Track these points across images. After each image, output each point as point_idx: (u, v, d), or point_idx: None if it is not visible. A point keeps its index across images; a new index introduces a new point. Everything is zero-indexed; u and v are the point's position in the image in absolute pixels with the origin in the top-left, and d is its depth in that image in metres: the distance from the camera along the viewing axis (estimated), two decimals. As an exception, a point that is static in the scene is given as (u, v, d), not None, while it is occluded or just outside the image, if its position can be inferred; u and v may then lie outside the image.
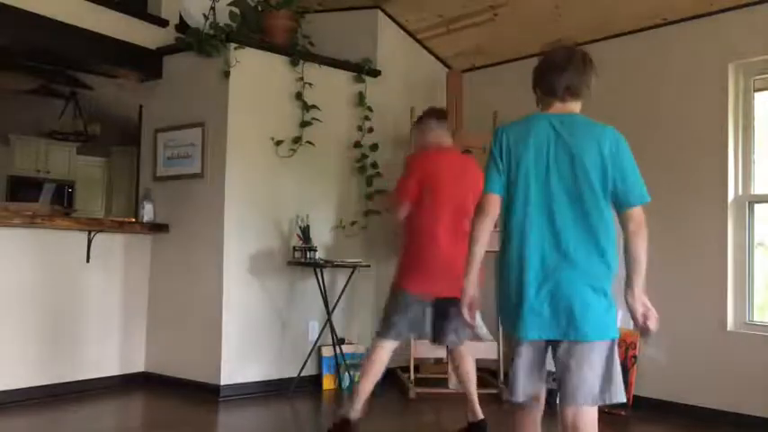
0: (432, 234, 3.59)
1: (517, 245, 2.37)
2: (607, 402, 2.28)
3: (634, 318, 2.29)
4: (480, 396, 4.80)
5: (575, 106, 2.45)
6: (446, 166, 3.71)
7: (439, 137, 3.84)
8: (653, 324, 2.26)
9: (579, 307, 2.22)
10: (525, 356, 2.34)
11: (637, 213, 2.27)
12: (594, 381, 2.23)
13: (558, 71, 2.45)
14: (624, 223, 2.28)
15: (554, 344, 2.30)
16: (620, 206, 2.29)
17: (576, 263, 2.24)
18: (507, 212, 2.36)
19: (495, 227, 2.52)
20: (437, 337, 3.78)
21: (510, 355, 2.41)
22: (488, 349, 4.97)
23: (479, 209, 2.44)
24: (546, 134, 2.32)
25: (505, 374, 4.89)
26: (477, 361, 5.13)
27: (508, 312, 2.43)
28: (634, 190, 2.33)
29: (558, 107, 2.43)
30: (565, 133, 2.32)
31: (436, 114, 3.89)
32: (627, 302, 2.29)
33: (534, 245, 2.30)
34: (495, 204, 2.36)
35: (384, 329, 3.66)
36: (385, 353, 3.64)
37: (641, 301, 2.27)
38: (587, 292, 2.23)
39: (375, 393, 3.78)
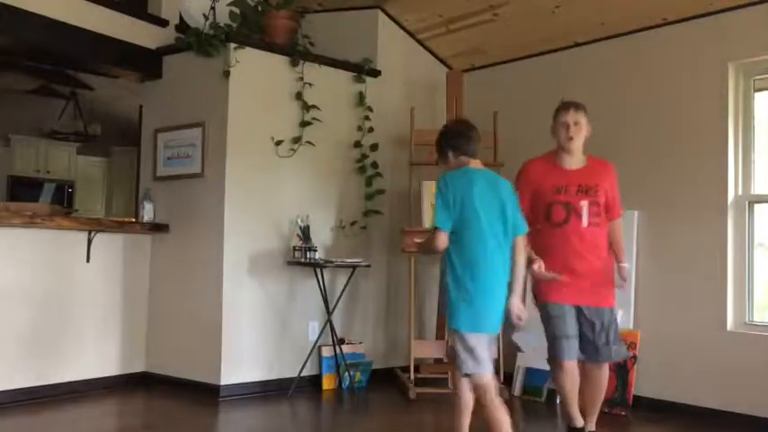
0: None
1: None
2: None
3: (508, 316, 3.04)
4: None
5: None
6: None
7: None
8: (522, 324, 3.09)
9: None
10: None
11: (522, 239, 3.10)
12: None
13: (475, 139, 3.13)
14: (516, 245, 3.07)
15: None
16: (515, 234, 3.06)
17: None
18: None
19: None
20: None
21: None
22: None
23: None
24: (482, 183, 3.03)
25: (506, 374, 4.90)
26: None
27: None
28: (522, 223, 3.10)
29: (475, 163, 3.09)
30: (491, 183, 3.05)
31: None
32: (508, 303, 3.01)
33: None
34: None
35: None
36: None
37: (518, 305, 3.06)
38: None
39: None
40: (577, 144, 3.46)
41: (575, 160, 3.49)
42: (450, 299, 2.98)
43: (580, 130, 3.45)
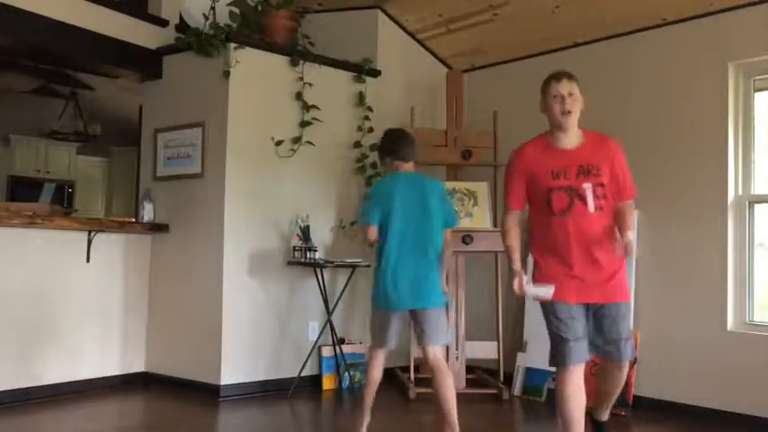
0: None
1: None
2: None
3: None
4: (480, 396, 4.82)
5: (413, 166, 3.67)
6: None
7: None
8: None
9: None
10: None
11: (449, 231, 3.63)
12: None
13: (406, 144, 3.66)
14: (446, 236, 3.60)
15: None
16: (447, 226, 3.62)
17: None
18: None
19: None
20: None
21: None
22: (488, 349, 4.98)
23: None
24: (405, 185, 3.57)
25: (505, 374, 4.90)
26: (477, 361, 5.16)
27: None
28: (452, 217, 3.66)
29: (407, 167, 3.65)
30: (415, 184, 3.58)
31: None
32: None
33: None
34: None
35: None
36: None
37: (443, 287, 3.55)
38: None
39: None
40: (574, 119, 3.02)
41: (571, 138, 3.04)
42: (375, 282, 3.55)
43: (575, 101, 3.01)
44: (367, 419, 3.63)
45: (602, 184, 2.99)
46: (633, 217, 3.14)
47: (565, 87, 3.02)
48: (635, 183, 4.55)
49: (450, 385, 3.48)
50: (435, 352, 3.49)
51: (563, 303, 2.95)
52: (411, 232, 3.48)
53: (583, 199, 2.96)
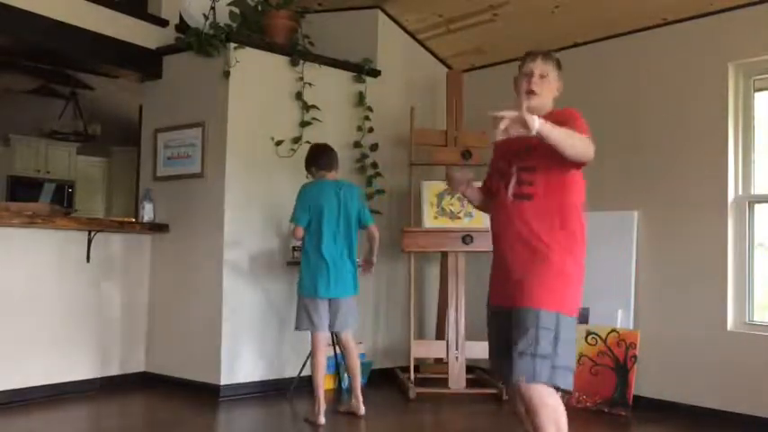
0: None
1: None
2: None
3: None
4: (480, 396, 4.82)
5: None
6: None
7: None
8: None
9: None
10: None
11: (373, 227, 4.28)
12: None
13: (327, 158, 4.24)
14: (372, 232, 4.28)
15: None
16: (363, 225, 4.25)
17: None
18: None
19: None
20: None
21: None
22: (487, 349, 4.97)
23: None
24: (327, 190, 4.14)
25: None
26: (477, 361, 5.16)
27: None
28: (367, 216, 4.26)
29: (331, 175, 4.20)
30: (335, 189, 4.15)
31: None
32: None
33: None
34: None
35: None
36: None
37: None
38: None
39: None
40: (538, 102, 2.61)
41: None
42: (299, 273, 4.13)
43: (546, 83, 2.65)
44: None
45: (530, 168, 2.52)
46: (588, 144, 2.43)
47: (538, 67, 2.65)
48: (635, 183, 4.51)
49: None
50: (348, 335, 4.23)
51: (489, 305, 2.68)
52: (328, 232, 4.06)
53: (507, 185, 2.58)
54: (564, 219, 2.52)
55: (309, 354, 4.89)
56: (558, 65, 2.73)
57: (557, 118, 2.43)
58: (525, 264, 2.49)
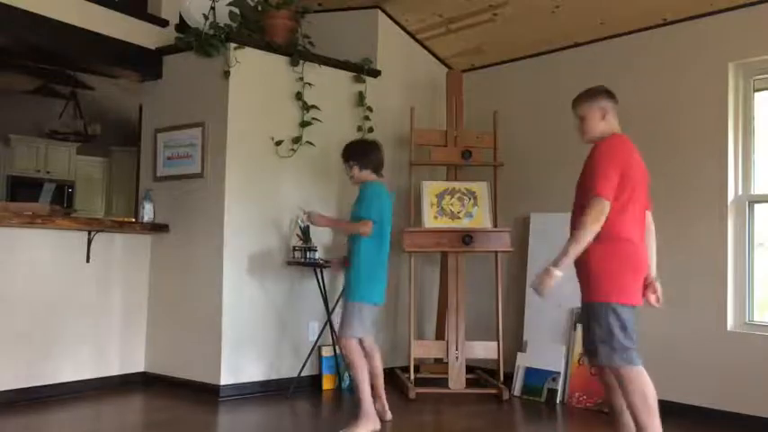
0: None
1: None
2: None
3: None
4: (480, 396, 4.82)
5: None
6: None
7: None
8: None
9: None
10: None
11: None
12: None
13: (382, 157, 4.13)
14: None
15: None
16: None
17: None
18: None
19: None
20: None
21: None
22: (488, 349, 4.98)
23: None
24: (387, 196, 4.04)
25: (505, 374, 4.90)
26: (477, 361, 5.16)
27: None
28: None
29: (380, 178, 4.09)
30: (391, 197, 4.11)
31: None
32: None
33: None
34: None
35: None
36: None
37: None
38: None
39: None
40: (588, 137, 3.21)
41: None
42: (358, 276, 3.88)
43: (586, 123, 3.20)
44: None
45: (578, 186, 3.22)
46: (591, 219, 2.98)
47: (576, 114, 3.28)
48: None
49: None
50: (372, 339, 4.13)
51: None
52: (388, 236, 4.01)
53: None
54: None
55: (309, 354, 4.89)
56: (589, 97, 3.24)
57: (591, 152, 3.16)
58: (582, 264, 3.14)
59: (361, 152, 4.08)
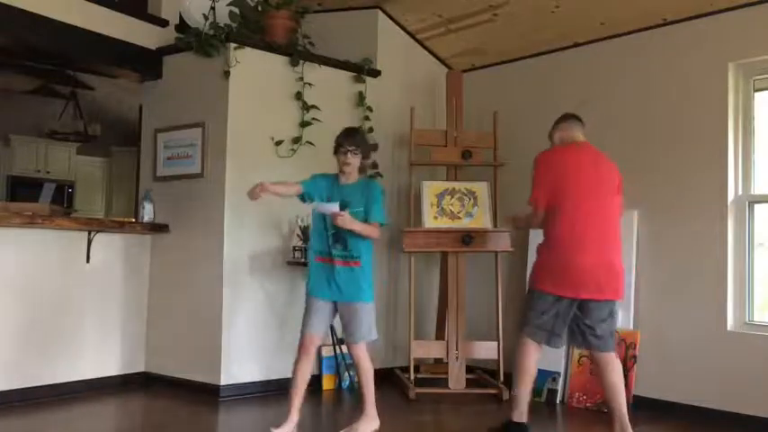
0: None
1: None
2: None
3: None
4: (480, 396, 4.82)
5: None
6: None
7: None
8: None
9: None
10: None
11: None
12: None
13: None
14: None
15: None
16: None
17: None
18: None
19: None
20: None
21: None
22: (488, 349, 4.98)
23: None
24: None
25: (505, 374, 4.90)
26: (477, 361, 5.16)
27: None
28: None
29: None
30: None
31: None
32: None
33: None
34: None
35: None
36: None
37: None
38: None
39: None
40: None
41: None
42: (367, 276, 3.68)
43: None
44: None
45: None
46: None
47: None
48: (635, 183, 4.54)
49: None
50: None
51: None
52: None
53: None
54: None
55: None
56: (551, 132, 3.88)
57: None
58: None
59: (366, 143, 3.86)
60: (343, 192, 3.70)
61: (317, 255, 3.72)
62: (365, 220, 3.62)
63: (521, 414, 3.68)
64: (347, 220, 3.51)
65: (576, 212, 3.50)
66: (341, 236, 3.64)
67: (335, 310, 3.72)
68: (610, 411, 3.59)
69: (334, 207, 3.55)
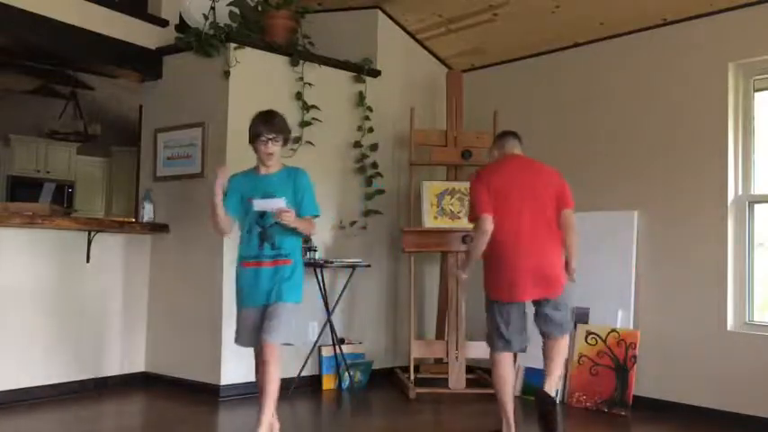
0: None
1: None
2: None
3: None
4: (480, 396, 4.82)
5: None
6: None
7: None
8: None
9: None
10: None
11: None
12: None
13: None
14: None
15: None
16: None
17: None
18: None
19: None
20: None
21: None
22: (488, 349, 4.96)
23: None
24: None
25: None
26: (477, 361, 5.16)
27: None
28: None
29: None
30: None
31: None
32: None
33: None
34: None
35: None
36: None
37: None
38: None
39: None
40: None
41: None
42: (300, 274, 3.38)
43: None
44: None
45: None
46: None
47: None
48: (635, 183, 4.54)
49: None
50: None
51: None
52: None
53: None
54: None
55: (309, 354, 4.89)
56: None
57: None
58: None
59: (287, 126, 3.48)
60: (265, 184, 3.37)
61: (243, 260, 3.40)
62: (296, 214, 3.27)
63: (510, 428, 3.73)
64: (293, 217, 3.22)
65: (508, 218, 3.58)
66: (268, 234, 3.33)
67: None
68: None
69: (279, 203, 3.22)
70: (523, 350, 3.76)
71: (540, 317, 3.69)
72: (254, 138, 3.37)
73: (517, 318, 3.65)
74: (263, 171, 3.43)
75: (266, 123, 3.36)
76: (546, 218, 3.61)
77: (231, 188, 3.43)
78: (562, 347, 3.70)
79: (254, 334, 3.31)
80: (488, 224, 3.55)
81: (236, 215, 3.46)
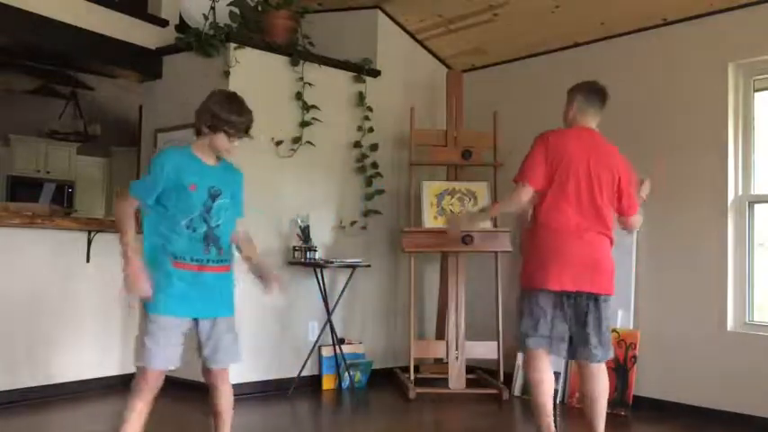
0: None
1: None
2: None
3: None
4: (480, 396, 4.82)
5: None
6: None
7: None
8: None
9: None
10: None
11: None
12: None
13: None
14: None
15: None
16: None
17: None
18: None
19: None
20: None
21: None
22: (488, 349, 4.97)
23: None
24: None
25: (505, 374, 4.90)
26: (477, 361, 5.16)
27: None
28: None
29: None
30: None
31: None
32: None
33: None
34: None
35: None
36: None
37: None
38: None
39: None
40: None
41: None
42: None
43: None
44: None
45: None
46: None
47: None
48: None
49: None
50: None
51: None
52: None
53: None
54: None
55: (309, 354, 4.88)
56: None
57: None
58: None
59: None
60: (212, 176, 2.95)
61: (178, 260, 2.81)
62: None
63: None
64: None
65: (567, 201, 3.24)
66: (215, 236, 2.90)
67: (191, 328, 2.98)
68: None
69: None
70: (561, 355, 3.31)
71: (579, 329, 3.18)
72: (221, 125, 2.90)
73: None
74: (206, 160, 2.95)
75: (243, 115, 2.96)
76: (605, 206, 3.28)
77: (167, 166, 2.79)
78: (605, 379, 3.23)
79: (169, 351, 2.87)
80: (526, 195, 3.23)
81: (153, 199, 2.79)
